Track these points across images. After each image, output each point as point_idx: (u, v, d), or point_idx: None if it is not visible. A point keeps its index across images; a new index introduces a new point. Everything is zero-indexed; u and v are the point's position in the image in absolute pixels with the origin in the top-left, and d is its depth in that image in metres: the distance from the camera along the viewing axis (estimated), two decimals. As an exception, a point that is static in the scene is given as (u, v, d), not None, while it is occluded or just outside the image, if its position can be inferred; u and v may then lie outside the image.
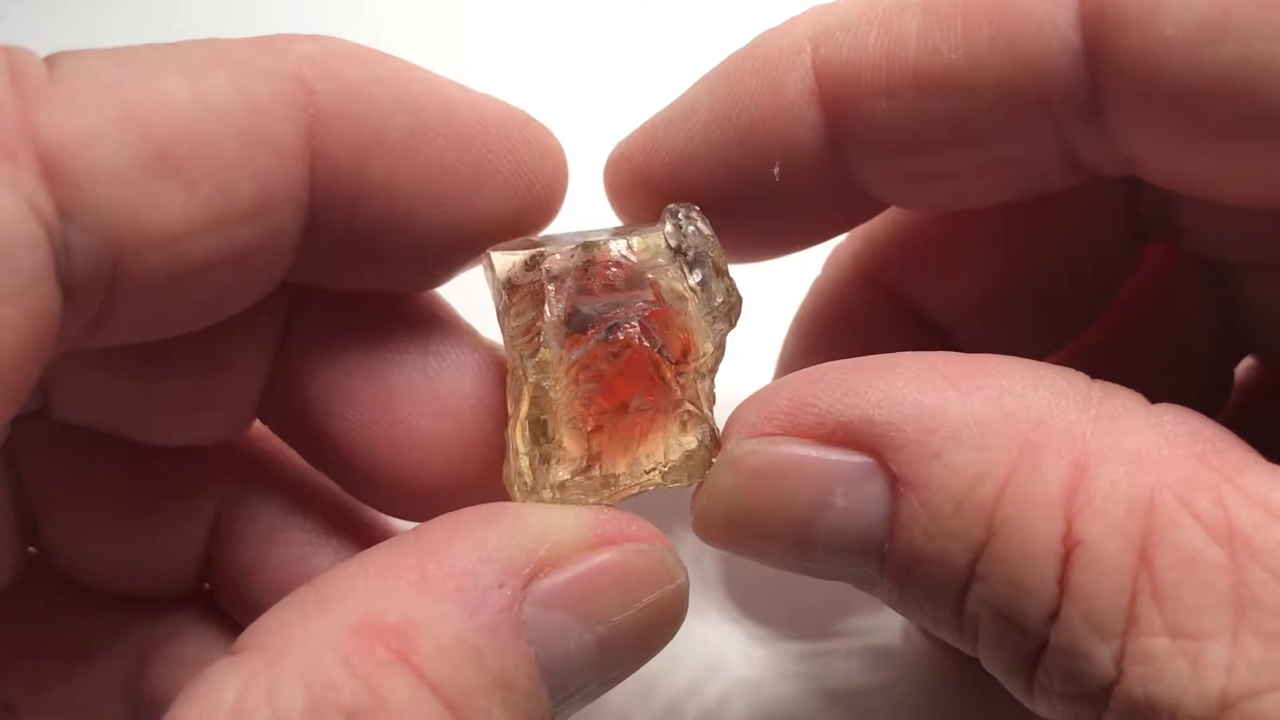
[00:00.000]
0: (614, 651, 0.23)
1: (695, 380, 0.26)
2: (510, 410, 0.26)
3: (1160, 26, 0.22)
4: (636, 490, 0.26)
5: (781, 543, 0.24)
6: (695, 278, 0.26)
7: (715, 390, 0.27)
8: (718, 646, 0.36)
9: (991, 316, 0.32)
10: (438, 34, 0.52)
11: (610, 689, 0.24)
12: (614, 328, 0.25)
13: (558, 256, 0.26)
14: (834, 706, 0.34)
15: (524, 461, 0.25)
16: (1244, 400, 0.33)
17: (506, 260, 0.27)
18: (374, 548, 0.23)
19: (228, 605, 0.33)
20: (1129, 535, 0.21)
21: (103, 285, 0.22)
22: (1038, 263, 0.31)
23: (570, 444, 0.25)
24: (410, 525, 0.25)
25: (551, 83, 0.49)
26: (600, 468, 0.26)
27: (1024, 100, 0.24)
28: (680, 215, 0.27)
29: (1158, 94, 0.23)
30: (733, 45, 0.50)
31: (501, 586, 0.22)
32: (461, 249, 0.27)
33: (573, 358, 0.25)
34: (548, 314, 0.26)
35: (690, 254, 0.26)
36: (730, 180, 0.28)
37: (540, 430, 0.26)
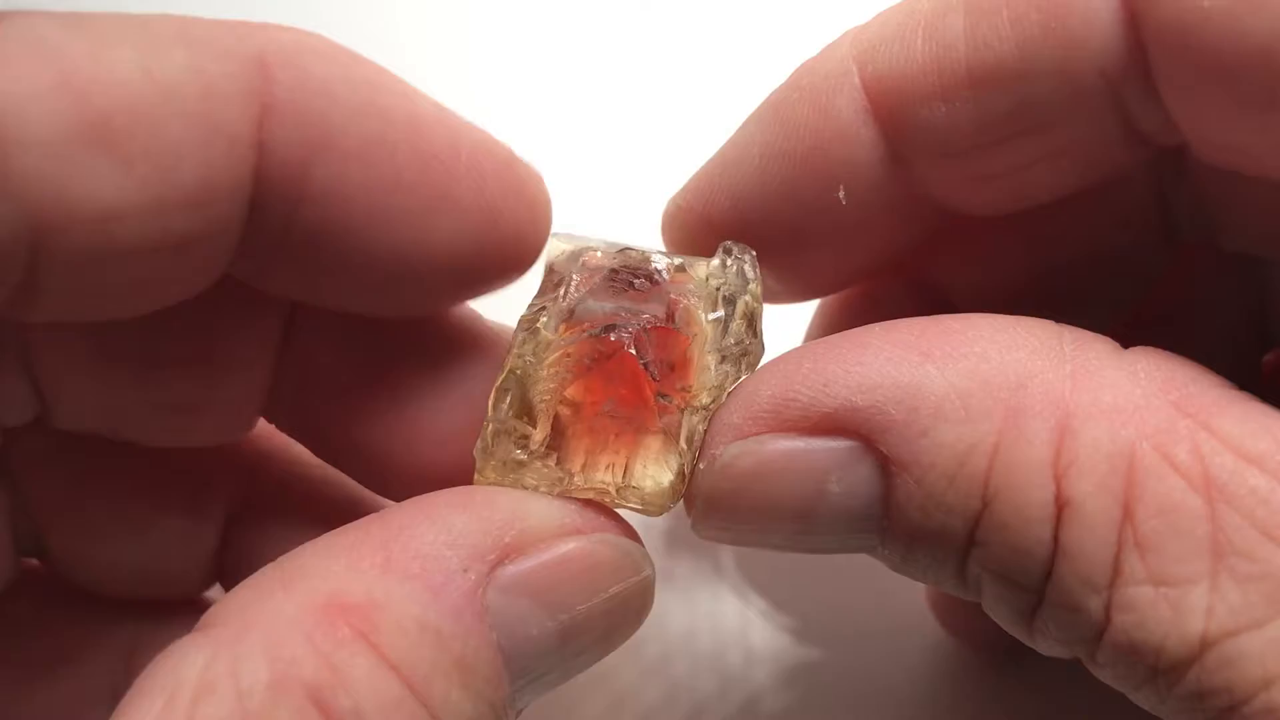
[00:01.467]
0: (576, 640, 0.24)
1: (684, 412, 0.25)
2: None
3: None
4: (591, 494, 0.25)
5: (782, 533, 0.25)
6: (717, 314, 0.26)
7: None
8: (732, 632, 0.36)
9: (1022, 312, 0.31)
10: (435, 33, 0.51)
11: (572, 677, 0.25)
12: (610, 328, 0.25)
13: (599, 254, 0.26)
14: (852, 698, 0.35)
15: (488, 429, 0.25)
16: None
17: (558, 246, 0.26)
18: (342, 528, 0.24)
19: None
20: (1113, 490, 0.22)
21: (21, 258, 0.22)
22: (1069, 259, 0.31)
23: (537, 427, 0.25)
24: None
25: (550, 82, 0.48)
26: (557, 459, 0.25)
27: (1081, 79, 0.24)
28: (733, 253, 0.26)
29: (1197, 65, 0.23)
30: (732, 45, 0.50)
31: (466, 571, 0.22)
32: (416, 278, 0.26)
33: (561, 343, 0.25)
34: (559, 297, 0.26)
35: (724, 290, 0.26)
36: (795, 212, 0.27)
37: (516, 406, 0.25)
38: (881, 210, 0.28)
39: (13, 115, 0.21)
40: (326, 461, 0.31)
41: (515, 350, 0.26)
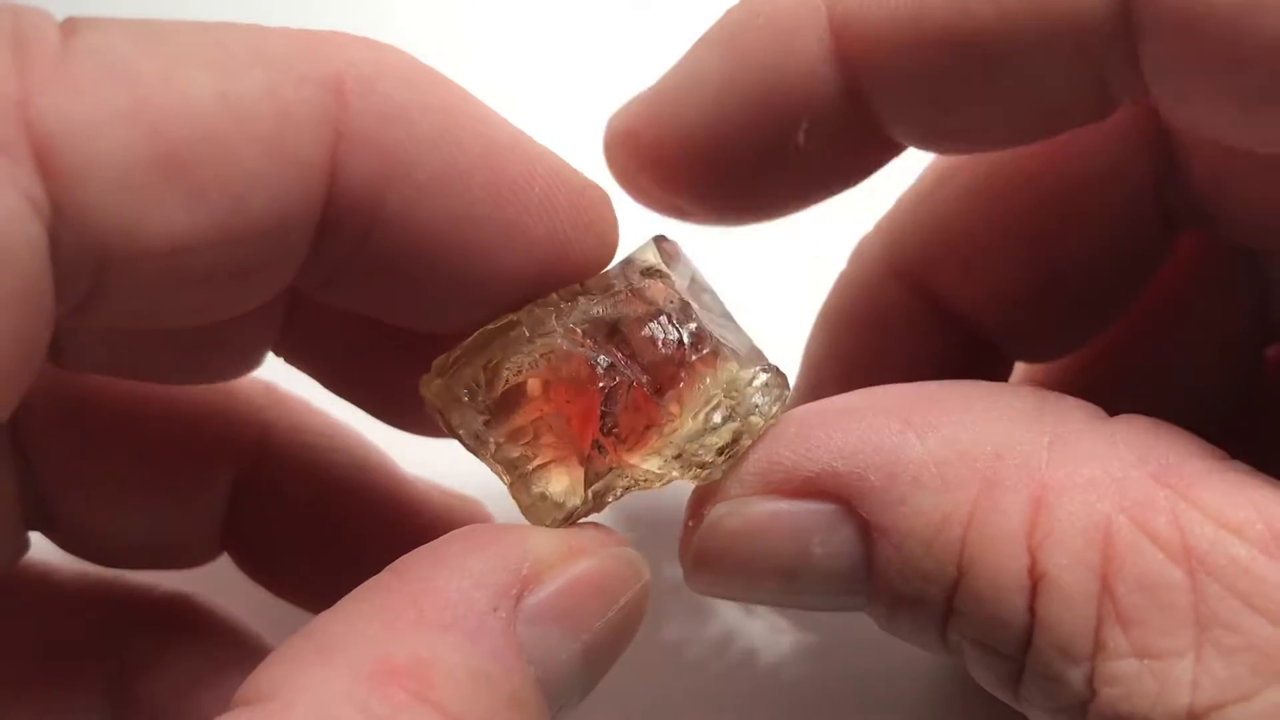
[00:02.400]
0: (597, 656, 0.24)
1: (611, 471, 0.26)
2: None
3: None
4: (489, 464, 0.26)
5: (770, 591, 0.26)
6: (711, 423, 0.26)
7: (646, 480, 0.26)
8: (736, 634, 0.36)
9: (1019, 310, 0.31)
10: (435, 32, 0.51)
11: (588, 694, 0.25)
12: (610, 367, 0.25)
13: (661, 283, 0.26)
14: (855, 698, 0.35)
15: (455, 354, 0.26)
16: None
17: (650, 252, 0.27)
18: (359, 590, 0.23)
19: (251, 570, 0.33)
20: (1089, 564, 0.22)
21: (84, 284, 0.21)
22: (1066, 255, 0.31)
23: (486, 386, 0.26)
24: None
25: (548, 82, 0.49)
26: (487, 420, 0.26)
27: (1060, 48, 0.24)
28: (767, 377, 0.26)
29: (1196, 59, 0.22)
30: None
31: (496, 610, 0.22)
32: (477, 303, 0.26)
33: (561, 340, 0.25)
34: (595, 303, 0.26)
35: (732, 408, 0.26)
36: (748, 146, 0.27)
37: (485, 359, 0.26)
38: (839, 145, 0.27)
39: (82, 144, 0.20)
40: (337, 393, 0.30)
41: (519, 314, 0.26)
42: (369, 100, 0.23)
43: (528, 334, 0.26)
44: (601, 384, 0.25)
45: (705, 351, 0.26)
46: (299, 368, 0.31)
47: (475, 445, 0.26)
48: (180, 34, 0.22)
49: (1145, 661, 0.21)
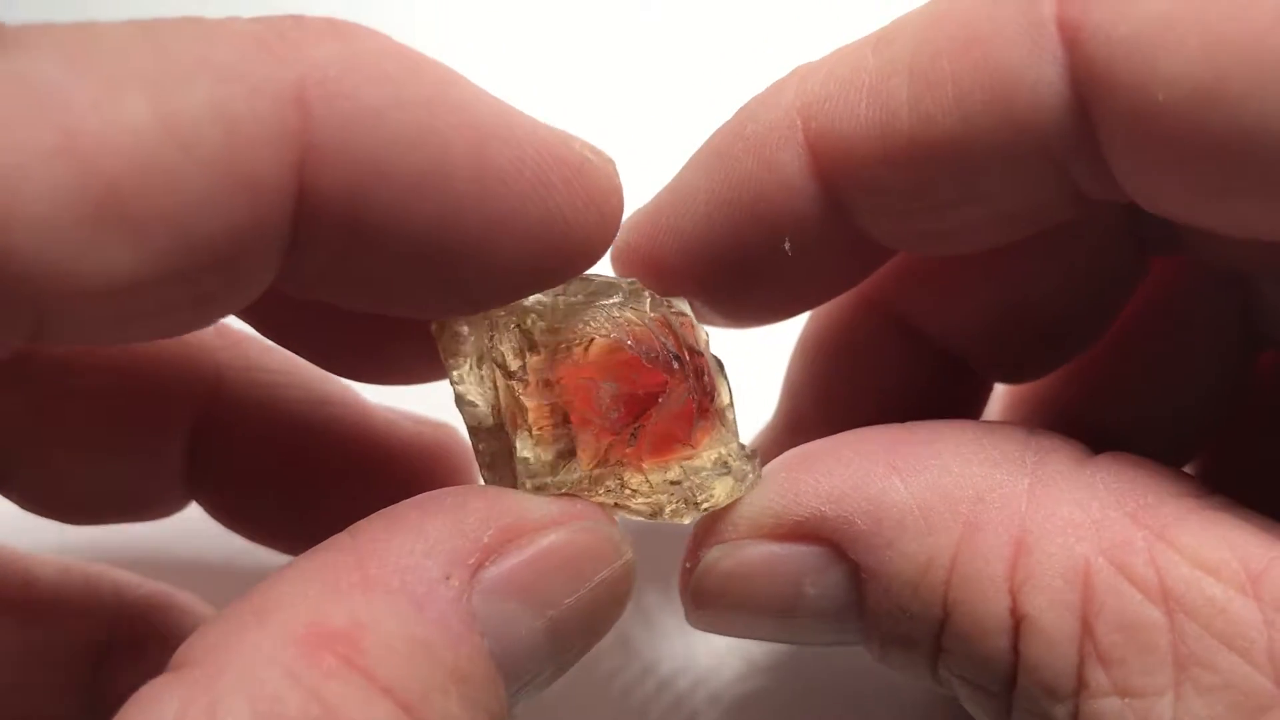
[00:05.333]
0: (565, 635, 0.23)
1: (618, 466, 0.25)
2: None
3: (1151, 90, 0.22)
4: (515, 425, 0.25)
5: (767, 628, 0.27)
6: (715, 482, 0.26)
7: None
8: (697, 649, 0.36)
9: (996, 339, 0.32)
10: (433, 33, 0.51)
11: (562, 674, 0.24)
12: (679, 369, 0.25)
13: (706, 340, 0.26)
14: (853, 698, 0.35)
15: (528, 306, 0.25)
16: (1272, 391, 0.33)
17: (685, 304, 0.27)
18: (309, 551, 0.22)
19: (223, 517, 0.32)
20: (1069, 605, 0.23)
21: (23, 330, 0.20)
22: (1042, 283, 0.31)
23: (559, 337, 0.25)
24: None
25: (547, 83, 0.49)
26: (531, 374, 0.25)
27: (1025, 156, 0.24)
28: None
29: (1152, 154, 0.23)
30: (730, 47, 0.50)
31: (448, 579, 0.22)
32: (473, 291, 0.24)
33: (644, 322, 0.25)
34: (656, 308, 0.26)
35: (726, 475, 0.26)
36: (740, 257, 0.28)
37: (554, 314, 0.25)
38: (827, 254, 0.28)
39: (6, 187, 0.18)
40: (292, 350, 0.29)
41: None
42: (335, 106, 0.21)
43: (618, 300, 0.25)
44: (666, 380, 0.25)
45: (724, 406, 0.26)
46: (258, 327, 0.29)
47: (484, 376, 0.25)
48: (118, 44, 0.20)
49: (1127, 700, 0.22)
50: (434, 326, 0.26)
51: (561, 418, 0.25)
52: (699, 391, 0.26)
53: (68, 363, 0.29)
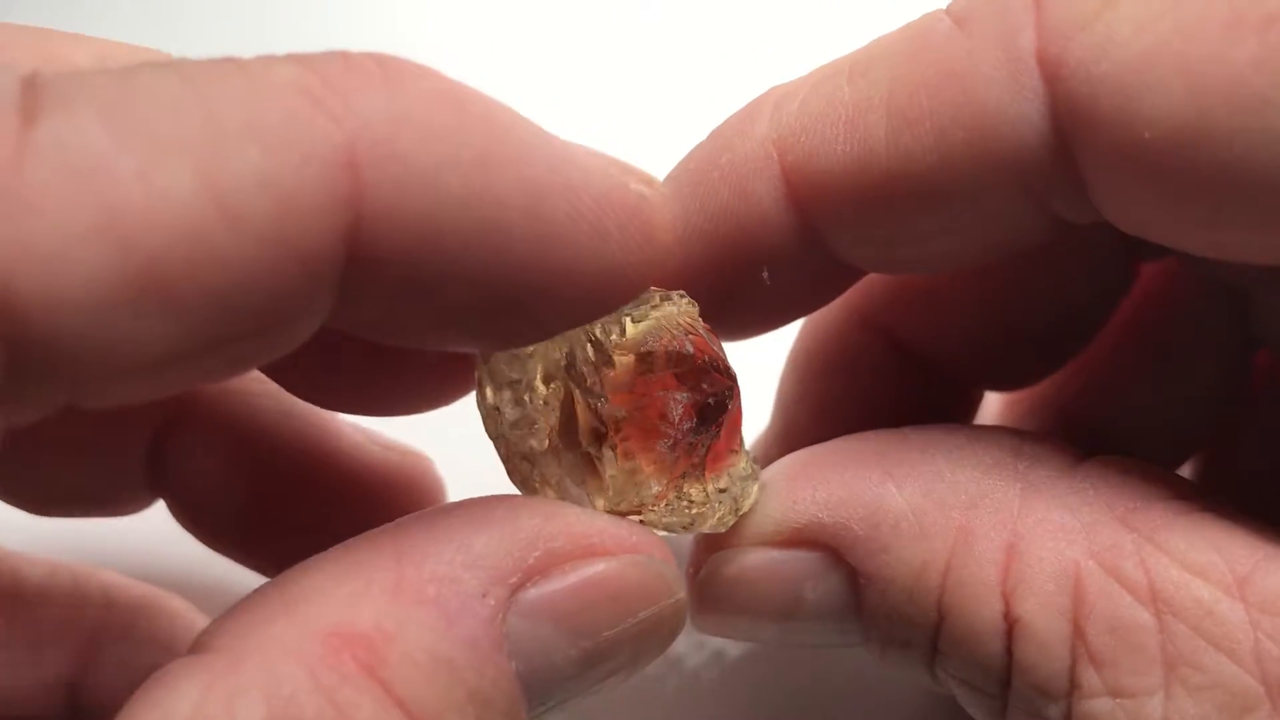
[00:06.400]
0: (601, 666, 0.23)
1: (685, 479, 0.25)
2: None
3: (1136, 129, 0.22)
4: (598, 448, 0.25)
5: (769, 631, 0.27)
6: (752, 484, 0.26)
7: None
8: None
9: (984, 350, 0.32)
10: (432, 33, 0.51)
11: (592, 694, 0.24)
12: (733, 379, 0.25)
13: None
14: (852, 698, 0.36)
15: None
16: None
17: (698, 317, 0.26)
18: (348, 543, 0.22)
19: (185, 521, 0.32)
20: (1061, 608, 0.23)
21: (58, 398, 0.19)
22: (1028, 294, 0.31)
23: (632, 349, 0.25)
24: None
25: (548, 83, 0.49)
26: (607, 389, 0.25)
27: (1005, 191, 0.24)
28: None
29: (1138, 189, 0.23)
30: (729, 47, 0.50)
31: (485, 596, 0.21)
32: (524, 334, 0.24)
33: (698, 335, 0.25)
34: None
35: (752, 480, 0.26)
36: (719, 283, 0.28)
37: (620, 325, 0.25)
38: (806, 279, 0.28)
39: (44, 269, 0.17)
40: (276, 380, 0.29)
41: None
42: (387, 169, 0.20)
43: (672, 309, 0.25)
44: (730, 385, 0.25)
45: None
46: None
47: (540, 397, 0.24)
48: (162, 103, 0.18)
49: (1118, 700, 0.23)
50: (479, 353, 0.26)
51: (633, 432, 0.25)
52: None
53: None
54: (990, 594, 0.24)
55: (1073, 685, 0.23)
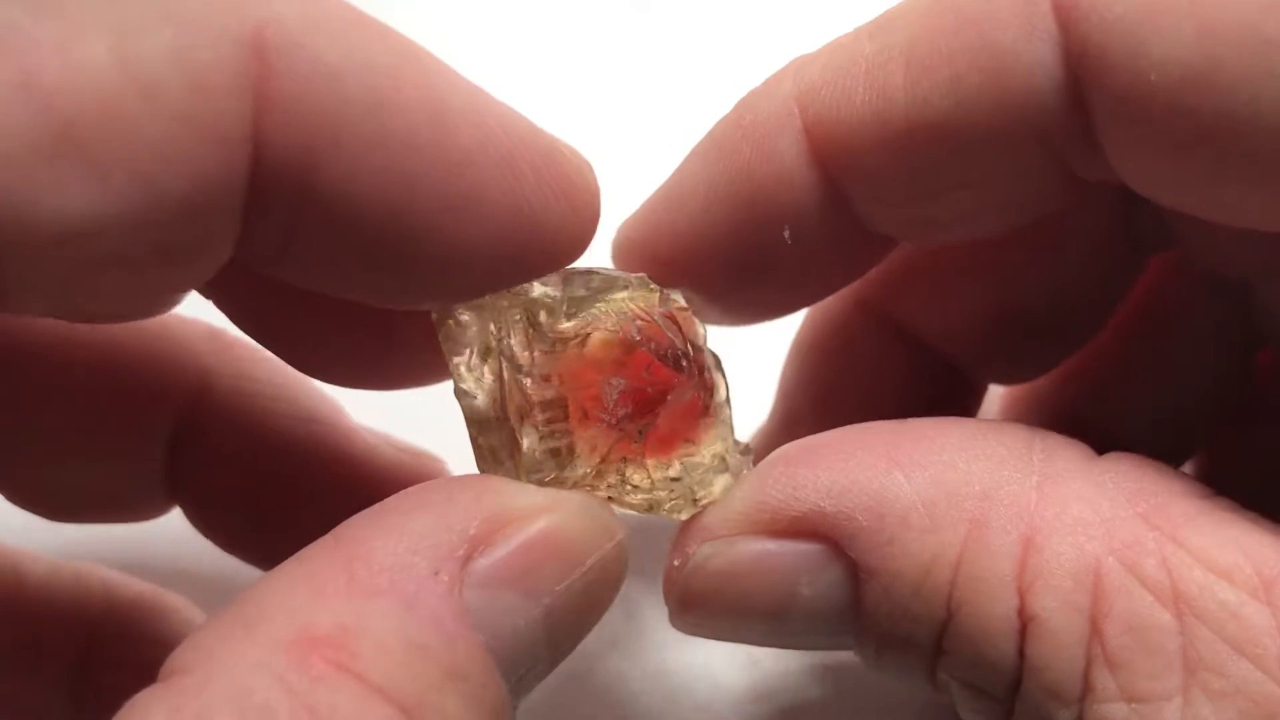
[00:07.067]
0: (561, 622, 0.23)
1: (623, 463, 0.25)
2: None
3: (1144, 71, 0.22)
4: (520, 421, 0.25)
5: (757, 631, 0.25)
6: (715, 478, 0.26)
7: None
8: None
9: (990, 338, 0.31)
10: (431, 33, 0.51)
11: (556, 666, 0.24)
12: (687, 366, 0.25)
13: (705, 335, 0.26)
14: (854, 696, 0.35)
15: (536, 296, 0.24)
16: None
17: (680, 296, 0.26)
18: (295, 556, 0.22)
19: (201, 525, 0.32)
20: (1079, 606, 0.22)
21: None
22: (1035, 282, 0.31)
23: (569, 331, 0.25)
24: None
25: (545, 83, 0.49)
26: (537, 366, 0.25)
27: (1020, 138, 0.24)
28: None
29: (1144, 135, 0.23)
30: (730, 48, 0.50)
31: (437, 574, 0.21)
32: (438, 278, 0.24)
33: (652, 319, 0.25)
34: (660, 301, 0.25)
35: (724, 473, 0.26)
36: (740, 248, 0.27)
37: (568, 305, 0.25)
38: (827, 246, 0.27)
39: None
40: (263, 344, 0.29)
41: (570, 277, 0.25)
42: (294, 58, 0.21)
43: (626, 294, 0.25)
44: (676, 377, 0.25)
45: (721, 402, 0.26)
46: (237, 321, 0.29)
47: (486, 368, 0.25)
48: None
49: (1133, 705, 0.21)
50: (434, 315, 0.25)
51: (566, 412, 0.25)
52: (701, 388, 0.25)
53: (48, 356, 0.28)
54: (1005, 589, 0.22)
55: (1086, 689, 0.22)
